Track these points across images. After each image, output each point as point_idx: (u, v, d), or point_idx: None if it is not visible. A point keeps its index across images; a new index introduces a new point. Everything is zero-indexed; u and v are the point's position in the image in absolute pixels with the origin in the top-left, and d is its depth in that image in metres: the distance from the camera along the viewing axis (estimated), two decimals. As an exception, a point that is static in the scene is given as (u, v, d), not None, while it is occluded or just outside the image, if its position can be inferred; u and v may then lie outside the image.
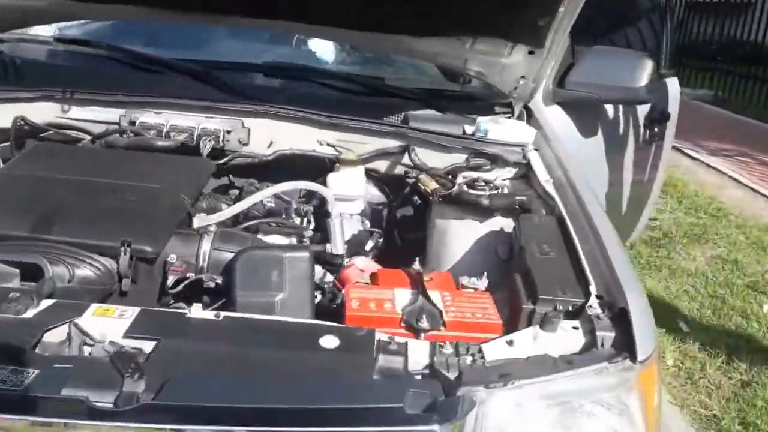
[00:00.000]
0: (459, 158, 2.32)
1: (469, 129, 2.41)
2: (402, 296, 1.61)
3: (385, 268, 1.81)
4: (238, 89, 2.45)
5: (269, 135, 2.37)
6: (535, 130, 2.43)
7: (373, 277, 1.76)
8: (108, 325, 1.35)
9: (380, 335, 1.34)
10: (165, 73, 2.51)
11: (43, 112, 2.32)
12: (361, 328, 1.39)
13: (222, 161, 2.33)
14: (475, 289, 1.66)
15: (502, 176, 2.32)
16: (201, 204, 1.94)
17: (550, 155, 2.28)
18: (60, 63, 2.72)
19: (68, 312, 1.36)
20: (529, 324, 1.45)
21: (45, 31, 2.86)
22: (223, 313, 1.42)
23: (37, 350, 1.24)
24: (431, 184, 2.13)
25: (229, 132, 2.33)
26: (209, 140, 2.27)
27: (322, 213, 2.14)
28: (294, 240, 1.97)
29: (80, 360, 1.26)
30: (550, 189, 2.02)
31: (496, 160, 2.31)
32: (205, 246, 1.66)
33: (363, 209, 2.32)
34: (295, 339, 1.35)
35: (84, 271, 1.48)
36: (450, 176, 2.23)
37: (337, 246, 2.00)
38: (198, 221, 1.72)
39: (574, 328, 1.42)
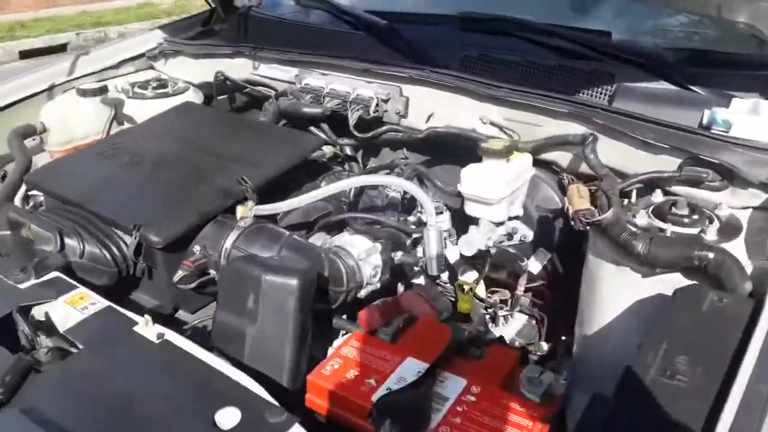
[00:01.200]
0: (669, 163, 1.50)
1: (695, 118, 1.53)
2: (406, 372, 1.11)
3: (430, 317, 1.30)
4: (415, 48, 2.04)
5: (429, 106, 1.94)
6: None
7: (401, 330, 1.27)
8: (67, 316, 1.26)
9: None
10: (356, 29, 2.26)
11: (240, 68, 2.35)
12: (280, 412, 0.98)
13: (369, 135, 2.00)
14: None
15: (733, 203, 1.42)
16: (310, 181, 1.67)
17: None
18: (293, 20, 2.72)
19: (51, 292, 1.32)
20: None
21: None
22: (169, 335, 1.18)
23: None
24: (578, 202, 1.43)
25: (385, 100, 1.97)
26: (357, 109, 1.96)
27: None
28: (381, 244, 1.57)
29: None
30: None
31: (731, 175, 1.41)
32: (228, 242, 1.43)
33: (516, 220, 1.73)
34: (190, 400, 1.04)
35: (93, 249, 1.42)
36: (628, 190, 1.46)
37: (432, 264, 1.53)
38: (241, 210, 1.49)
39: None
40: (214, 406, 0.99)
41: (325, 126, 2.08)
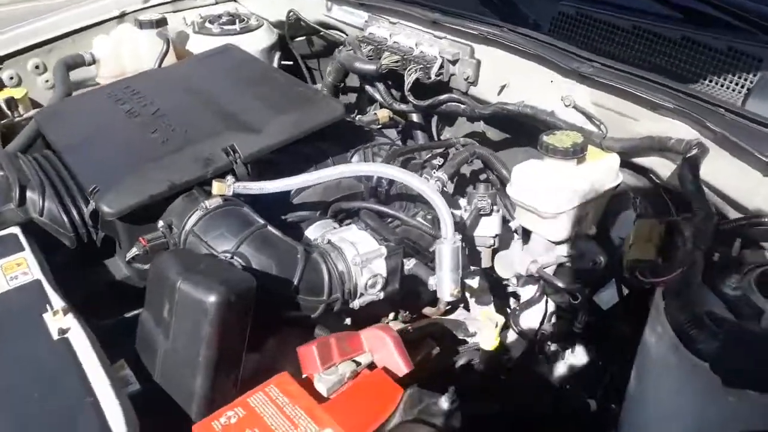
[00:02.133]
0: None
1: None
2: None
3: (382, 371, 0.96)
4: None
5: (504, 76, 1.52)
6: None
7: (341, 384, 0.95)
8: (-8, 284, 1.12)
9: None
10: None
11: (313, 7, 2.06)
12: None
13: (426, 103, 1.63)
14: None
15: None
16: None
17: None
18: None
19: (-2, 250, 1.18)
20: None
21: None
22: (73, 333, 0.99)
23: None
24: (641, 247, 0.98)
25: (453, 62, 1.59)
26: (416, 70, 1.60)
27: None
28: (388, 248, 1.24)
29: None
30: None
31: None
32: (189, 223, 1.18)
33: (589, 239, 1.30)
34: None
35: (52, 207, 1.25)
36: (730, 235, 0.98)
37: (442, 288, 1.18)
38: (217, 187, 1.23)
39: None
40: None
41: (380, 86, 1.74)
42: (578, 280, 1.30)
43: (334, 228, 1.36)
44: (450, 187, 1.54)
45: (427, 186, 1.14)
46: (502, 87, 1.51)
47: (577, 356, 1.46)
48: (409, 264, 1.27)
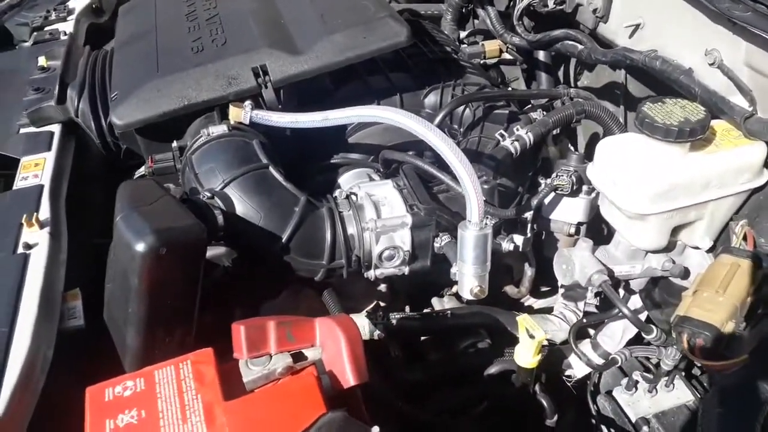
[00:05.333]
0: None
1: None
2: None
3: (313, 372, 0.75)
4: None
5: (639, 12, 1.12)
6: None
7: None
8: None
9: None
10: None
11: None
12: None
13: (536, 38, 1.28)
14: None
15: None
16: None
17: None
18: None
19: (29, 147, 1.17)
20: None
21: None
22: (38, 245, 0.95)
23: None
24: (703, 307, 0.63)
25: (582, -13, 1.22)
26: (532, -5, 1.25)
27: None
28: (415, 217, 1.00)
29: None
30: None
31: None
32: (191, 151, 1.03)
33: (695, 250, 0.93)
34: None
35: (86, 109, 1.17)
36: None
37: (462, 282, 0.93)
38: (233, 113, 1.05)
39: None
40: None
41: (491, 10, 1.41)
42: (664, 306, 0.95)
43: (371, 179, 1.14)
44: (552, 150, 1.22)
45: (444, 142, 0.85)
46: (635, 27, 1.12)
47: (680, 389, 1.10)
48: (440, 241, 1.02)
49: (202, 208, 0.91)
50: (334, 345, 0.79)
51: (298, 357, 0.80)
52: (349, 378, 0.78)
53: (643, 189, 0.85)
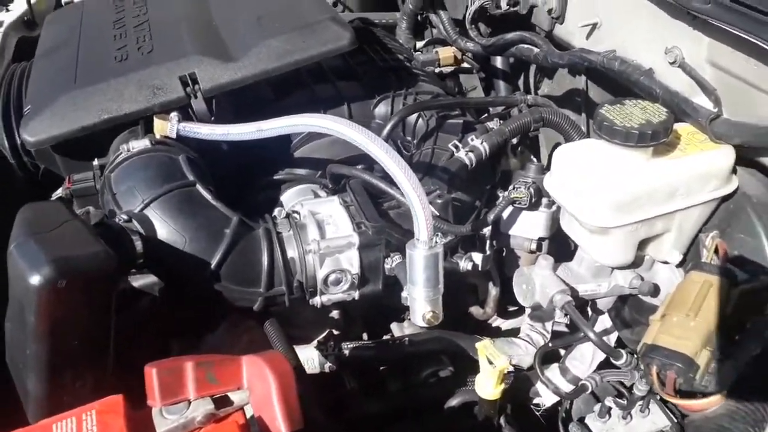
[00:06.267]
0: None
1: None
2: None
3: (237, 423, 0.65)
4: None
5: (596, 11, 1.06)
6: None
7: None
8: None
9: None
10: None
11: None
12: None
13: (489, 42, 1.21)
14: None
15: None
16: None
17: None
18: None
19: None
20: None
21: None
22: None
23: None
24: (669, 332, 0.55)
25: (537, -14, 1.15)
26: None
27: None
28: (362, 237, 0.91)
29: None
30: None
31: None
32: (108, 170, 0.93)
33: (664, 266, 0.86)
34: None
35: None
36: None
37: (414, 308, 0.84)
38: (158, 126, 0.95)
39: None
40: None
41: (443, 14, 1.34)
42: (635, 326, 0.87)
43: (316, 196, 1.05)
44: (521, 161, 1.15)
45: (386, 152, 0.76)
46: (592, 27, 1.06)
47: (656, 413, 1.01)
48: (391, 262, 0.93)
49: (118, 233, 0.81)
50: (263, 386, 0.69)
51: (222, 402, 0.70)
52: (280, 425, 0.68)
53: (603, 199, 0.77)
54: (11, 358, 0.79)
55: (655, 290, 0.88)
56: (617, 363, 0.85)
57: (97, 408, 0.68)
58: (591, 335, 0.81)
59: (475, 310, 1.30)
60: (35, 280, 0.68)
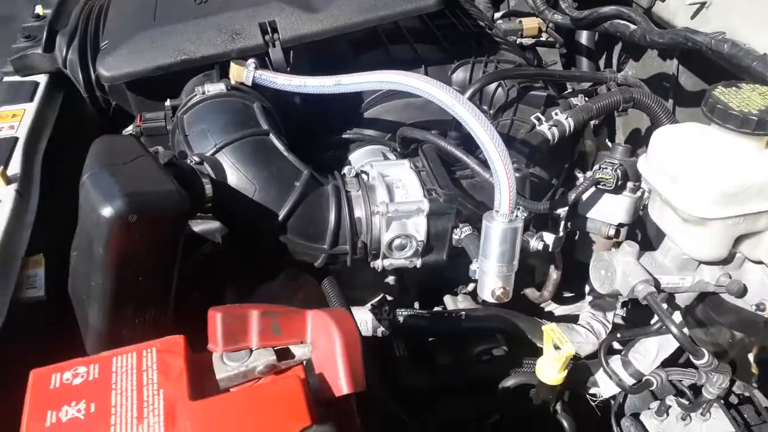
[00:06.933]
0: None
1: None
2: None
3: (297, 377, 0.62)
4: None
5: (706, -13, 0.98)
6: None
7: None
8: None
9: None
10: None
11: None
12: None
13: (582, 15, 1.14)
14: None
15: None
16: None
17: None
18: None
19: (10, 96, 1.07)
20: None
21: None
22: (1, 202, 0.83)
23: None
24: None
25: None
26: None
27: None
28: (433, 204, 0.87)
29: None
30: None
31: None
32: (181, 111, 0.91)
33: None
34: None
35: (74, 60, 1.06)
36: None
37: (483, 282, 0.80)
38: (234, 71, 0.92)
39: None
40: None
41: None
42: (710, 326, 0.82)
43: (385, 158, 1.02)
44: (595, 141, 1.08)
45: (475, 117, 0.71)
46: (700, 6, 0.98)
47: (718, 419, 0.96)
48: (460, 233, 0.89)
49: (188, 174, 0.79)
50: (328, 344, 0.67)
51: (283, 354, 0.67)
52: (342, 385, 0.65)
53: (708, 188, 0.71)
54: (74, 288, 0.78)
55: (743, 291, 0.82)
56: (698, 363, 0.79)
57: (158, 346, 0.66)
58: (674, 330, 0.76)
59: (531, 292, 1.26)
60: (107, 212, 0.67)
